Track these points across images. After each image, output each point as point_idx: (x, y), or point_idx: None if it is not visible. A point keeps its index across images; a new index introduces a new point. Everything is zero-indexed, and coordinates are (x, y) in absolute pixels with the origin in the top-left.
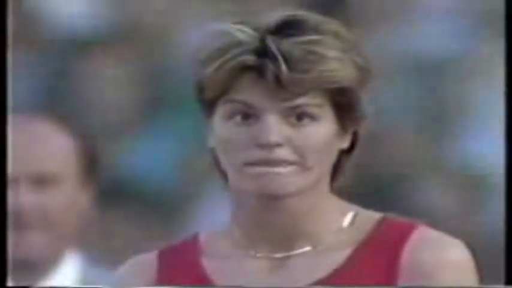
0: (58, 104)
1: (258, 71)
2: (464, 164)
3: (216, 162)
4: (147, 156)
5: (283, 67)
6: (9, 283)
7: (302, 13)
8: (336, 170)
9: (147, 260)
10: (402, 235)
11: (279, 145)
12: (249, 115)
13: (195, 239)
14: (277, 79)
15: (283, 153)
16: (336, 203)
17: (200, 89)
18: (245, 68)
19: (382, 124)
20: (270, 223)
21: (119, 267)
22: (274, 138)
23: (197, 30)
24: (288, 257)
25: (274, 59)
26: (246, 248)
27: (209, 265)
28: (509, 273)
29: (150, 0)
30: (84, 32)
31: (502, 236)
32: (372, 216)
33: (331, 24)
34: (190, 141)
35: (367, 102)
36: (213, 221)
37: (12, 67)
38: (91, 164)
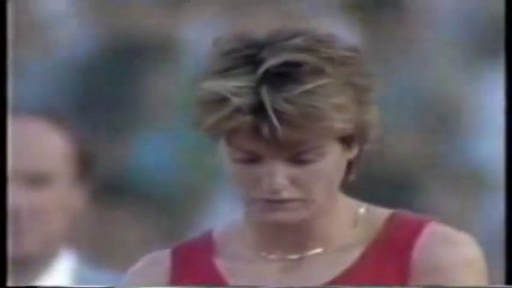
0: (55, 104)
1: (254, 128)
2: (465, 163)
3: None
4: (148, 155)
5: (279, 128)
6: (9, 283)
7: (298, 56)
8: (345, 171)
9: (160, 258)
10: (413, 231)
11: (284, 187)
12: (251, 158)
13: (208, 237)
14: (274, 137)
15: (288, 194)
16: (346, 202)
17: (200, 127)
18: (242, 125)
19: (386, 123)
20: (281, 226)
21: (115, 267)
22: (279, 183)
23: (200, 33)
24: (300, 258)
25: (269, 119)
26: (258, 249)
27: (222, 265)
28: (509, 273)
29: (154, 8)
30: (83, 32)
31: (502, 235)
32: (382, 213)
33: (329, 50)
34: (197, 138)
35: (374, 114)
36: (220, 221)
37: (12, 68)
38: (85, 163)
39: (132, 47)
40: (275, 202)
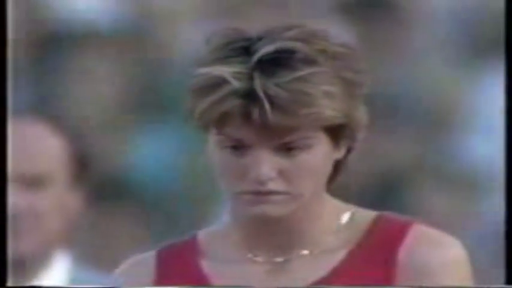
0: (53, 105)
1: (244, 113)
2: (463, 164)
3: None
4: (145, 156)
5: (269, 112)
6: (9, 283)
7: (291, 43)
8: (331, 173)
9: (145, 260)
10: (398, 233)
11: (271, 179)
12: (239, 147)
13: (193, 238)
14: (264, 123)
15: (275, 185)
16: (332, 203)
17: (191, 116)
18: (232, 110)
19: (381, 123)
20: (267, 227)
21: (112, 268)
22: (265, 173)
23: (196, 29)
24: (286, 260)
25: (260, 103)
26: (244, 251)
27: (208, 267)
28: (509, 273)
29: None
30: (80, 30)
31: (502, 236)
32: (369, 215)
33: (322, 43)
34: (191, 140)
35: (363, 118)
36: (214, 222)
37: (12, 68)
38: (82, 164)
39: (132, 47)
40: (261, 194)
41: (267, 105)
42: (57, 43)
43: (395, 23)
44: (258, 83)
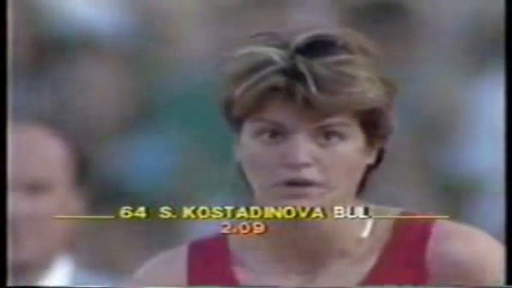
0: (53, 110)
1: (287, 91)
2: (463, 165)
3: (242, 175)
4: (145, 160)
5: (313, 89)
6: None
7: (331, 31)
8: (361, 182)
9: (175, 256)
10: (423, 231)
11: (306, 165)
12: (277, 133)
13: (223, 243)
14: (307, 101)
15: (310, 174)
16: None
17: (228, 105)
18: (275, 89)
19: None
20: (297, 237)
21: (113, 272)
22: (302, 158)
23: (195, 30)
24: (317, 269)
25: (304, 80)
26: (275, 262)
27: (239, 274)
28: (510, 273)
29: (148, 2)
30: (77, 34)
31: (502, 236)
32: (390, 214)
33: (360, 41)
34: (191, 145)
35: (394, 117)
36: (214, 227)
37: (12, 73)
38: (83, 169)
39: (133, 51)
40: (296, 185)
41: (311, 82)
42: (59, 48)
43: (397, 25)
44: (301, 61)
